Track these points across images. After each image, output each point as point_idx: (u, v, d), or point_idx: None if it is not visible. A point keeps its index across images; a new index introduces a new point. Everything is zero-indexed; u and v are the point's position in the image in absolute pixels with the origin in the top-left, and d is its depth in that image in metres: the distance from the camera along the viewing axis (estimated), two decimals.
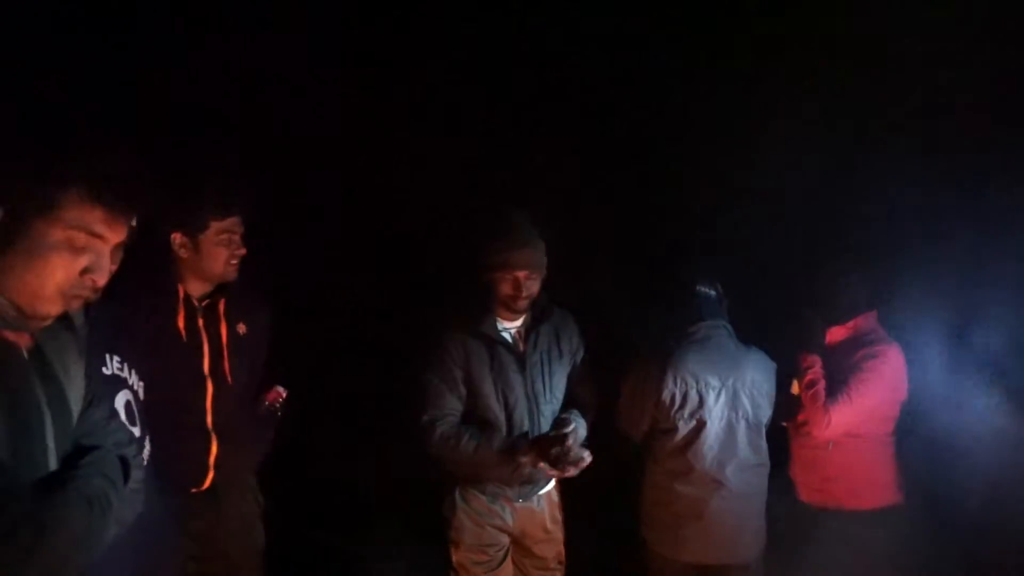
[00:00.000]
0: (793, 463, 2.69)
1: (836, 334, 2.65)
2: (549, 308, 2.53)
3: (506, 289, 2.37)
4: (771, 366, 2.58)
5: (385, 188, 3.25)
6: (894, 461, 2.60)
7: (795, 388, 2.66)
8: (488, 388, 2.40)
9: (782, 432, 2.69)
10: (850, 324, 2.63)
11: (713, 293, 2.52)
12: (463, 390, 2.40)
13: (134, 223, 1.21)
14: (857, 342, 2.60)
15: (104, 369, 1.70)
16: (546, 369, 2.48)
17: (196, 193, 2.08)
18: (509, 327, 2.48)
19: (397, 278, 3.31)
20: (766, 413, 2.56)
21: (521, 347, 2.47)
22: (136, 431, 1.69)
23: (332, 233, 3.27)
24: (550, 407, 2.49)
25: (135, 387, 1.79)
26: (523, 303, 2.39)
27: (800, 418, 2.62)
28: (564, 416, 2.45)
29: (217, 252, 2.08)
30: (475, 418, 2.41)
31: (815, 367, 2.60)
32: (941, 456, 2.48)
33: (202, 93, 2.92)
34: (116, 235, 1.19)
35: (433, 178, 3.21)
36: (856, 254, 2.68)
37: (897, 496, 2.58)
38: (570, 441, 2.28)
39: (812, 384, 2.58)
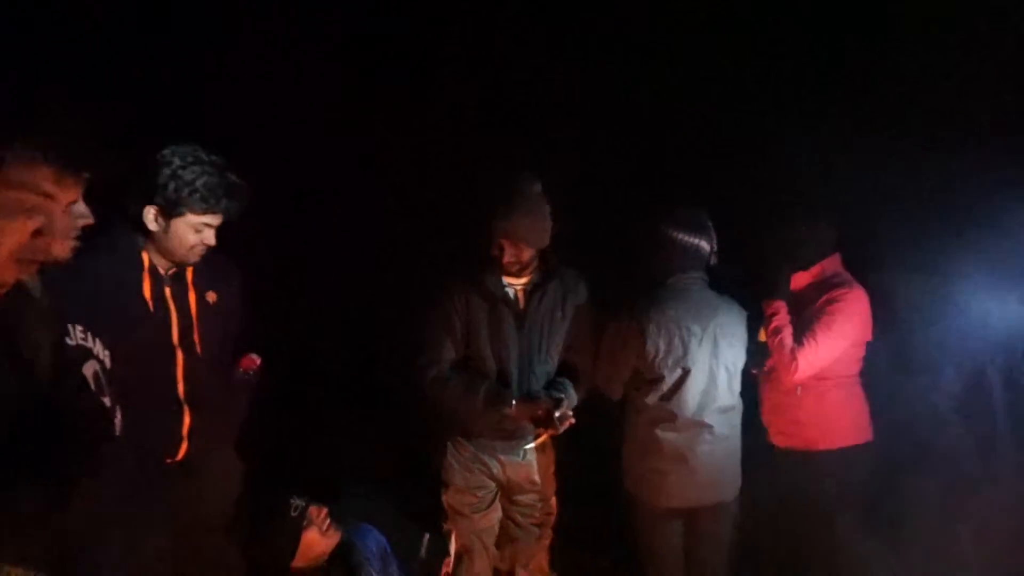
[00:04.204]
0: (763, 408, 2.74)
1: (800, 280, 2.69)
2: (560, 269, 2.57)
3: (499, 255, 2.44)
4: (744, 314, 2.63)
5: (384, 155, 3.20)
6: (861, 401, 2.67)
7: (762, 335, 2.71)
8: (484, 342, 2.48)
9: (753, 378, 2.75)
10: (814, 269, 2.67)
11: (699, 243, 2.52)
12: (460, 340, 2.49)
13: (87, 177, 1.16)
14: (821, 286, 2.63)
15: (68, 339, 1.63)
16: (545, 329, 2.53)
17: (185, 184, 1.98)
18: (514, 284, 2.53)
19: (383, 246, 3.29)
20: (741, 359, 2.61)
21: (522, 305, 2.52)
22: (106, 401, 1.64)
23: (321, 200, 3.21)
24: (543, 367, 2.54)
25: (101, 356, 1.73)
26: (515, 268, 2.47)
27: (768, 364, 2.68)
28: (559, 379, 2.52)
29: (185, 238, 2.01)
30: (469, 369, 2.50)
31: (780, 313, 2.64)
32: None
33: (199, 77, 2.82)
34: (68, 194, 1.13)
35: (432, 147, 3.17)
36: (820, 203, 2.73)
37: (865, 435, 2.65)
38: (562, 409, 2.38)
39: (778, 331, 2.62)
